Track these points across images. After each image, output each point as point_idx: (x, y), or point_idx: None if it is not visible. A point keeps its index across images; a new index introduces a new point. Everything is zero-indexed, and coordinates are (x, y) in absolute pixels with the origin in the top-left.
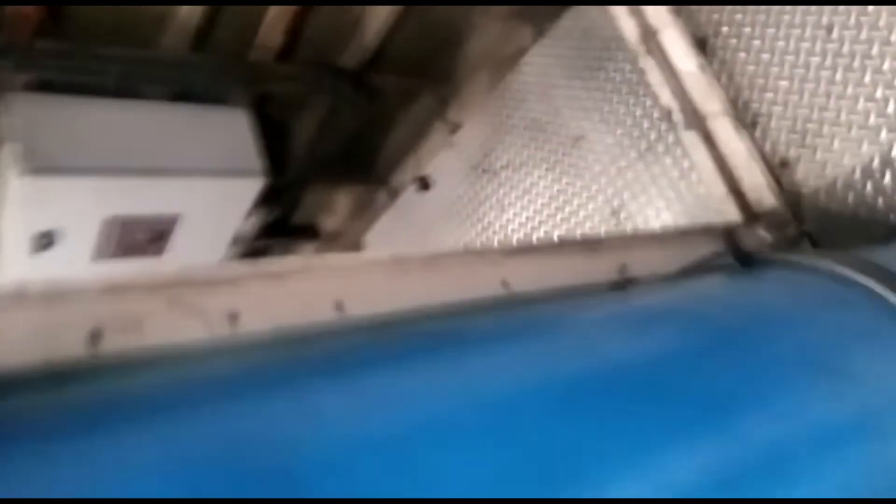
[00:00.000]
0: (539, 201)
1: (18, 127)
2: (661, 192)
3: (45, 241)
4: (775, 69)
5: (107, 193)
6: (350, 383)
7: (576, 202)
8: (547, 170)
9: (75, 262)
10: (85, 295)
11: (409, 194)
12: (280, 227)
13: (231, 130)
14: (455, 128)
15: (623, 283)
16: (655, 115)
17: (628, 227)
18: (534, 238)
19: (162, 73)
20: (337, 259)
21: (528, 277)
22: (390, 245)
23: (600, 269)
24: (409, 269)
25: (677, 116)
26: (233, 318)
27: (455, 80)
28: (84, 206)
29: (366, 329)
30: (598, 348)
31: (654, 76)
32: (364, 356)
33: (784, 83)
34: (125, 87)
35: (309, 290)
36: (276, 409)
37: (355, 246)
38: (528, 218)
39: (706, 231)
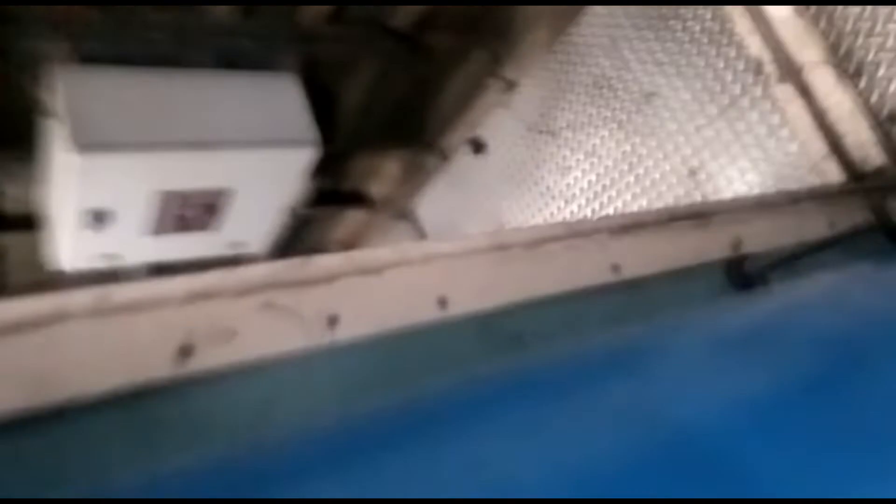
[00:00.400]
0: (605, 163)
1: (66, 102)
2: (746, 151)
3: (97, 217)
4: (883, 10)
5: (157, 168)
6: (520, 426)
7: (648, 163)
8: (614, 129)
9: (127, 239)
10: (170, 303)
11: (462, 157)
12: (329, 194)
13: (282, 98)
14: (511, 86)
15: (739, 261)
16: (741, 66)
17: (707, 190)
18: (617, 207)
19: (210, 39)
20: (435, 247)
21: (638, 260)
22: (443, 211)
23: (713, 245)
24: (512, 255)
25: (768, 67)
26: (332, 321)
27: (511, 34)
28: (135, 182)
29: (475, 328)
30: (773, 364)
31: (741, 23)
32: (510, 382)
33: (893, 26)
34: (172, 55)
35: (409, 285)
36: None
37: (405, 212)
38: (592, 181)
39: (822, 196)
